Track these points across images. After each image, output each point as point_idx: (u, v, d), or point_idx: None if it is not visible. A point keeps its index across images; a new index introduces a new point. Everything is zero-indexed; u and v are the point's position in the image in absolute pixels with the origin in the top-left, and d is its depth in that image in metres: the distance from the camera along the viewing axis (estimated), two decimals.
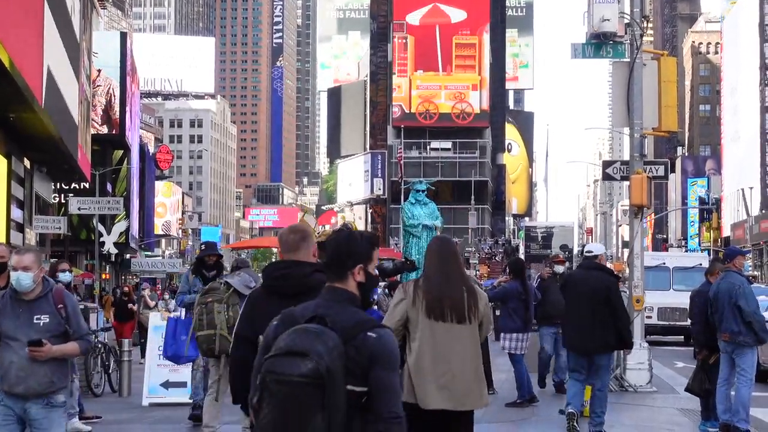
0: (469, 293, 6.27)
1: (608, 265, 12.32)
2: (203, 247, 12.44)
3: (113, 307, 25.34)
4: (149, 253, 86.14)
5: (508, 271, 15.46)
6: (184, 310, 11.98)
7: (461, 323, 6.18)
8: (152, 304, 27.00)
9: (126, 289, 26.60)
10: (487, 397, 6.36)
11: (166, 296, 36.94)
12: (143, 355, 21.26)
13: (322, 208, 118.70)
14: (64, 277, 13.23)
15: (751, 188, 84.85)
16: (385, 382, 3.66)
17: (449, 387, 6.10)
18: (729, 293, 10.81)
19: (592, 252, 11.37)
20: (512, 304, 13.91)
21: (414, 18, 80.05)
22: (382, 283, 16.58)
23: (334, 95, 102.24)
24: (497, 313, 16.00)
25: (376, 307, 11.70)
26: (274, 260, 6.54)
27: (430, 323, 6.17)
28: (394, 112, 79.08)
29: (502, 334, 14.24)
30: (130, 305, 24.76)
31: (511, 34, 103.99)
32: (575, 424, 10.80)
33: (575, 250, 65.10)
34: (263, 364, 3.66)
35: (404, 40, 79.92)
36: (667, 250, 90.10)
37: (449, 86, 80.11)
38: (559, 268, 16.18)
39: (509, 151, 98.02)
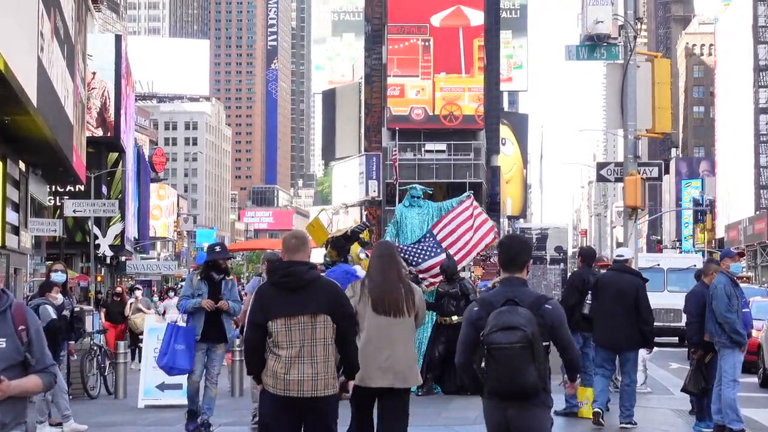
0: (406, 290, 7.32)
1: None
2: (218, 248, 11.60)
3: (104, 308, 25.19)
4: (144, 255, 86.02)
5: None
6: (186, 315, 11.36)
7: (400, 316, 7.26)
8: (146, 309, 26.78)
9: (119, 290, 26.41)
10: (420, 376, 7.61)
11: (156, 299, 36.75)
12: (132, 360, 21.22)
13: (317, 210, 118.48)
14: (58, 277, 13.04)
15: (729, 194, 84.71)
16: (565, 336, 5.58)
17: (393, 368, 7.18)
18: (711, 295, 11.15)
19: (622, 256, 12.35)
20: None
21: (436, 20, 79.83)
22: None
23: (329, 97, 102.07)
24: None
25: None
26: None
27: (375, 316, 7.24)
28: (417, 114, 78.81)
29: None
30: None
31: (505, 35, 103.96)
32: (601, 420, 11.45)
33: (569, 252, 65.03)
34: (484, 338, 5.32)
35: (426, 43, 79.63)
36: (662, 252, 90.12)
37: (473, 88, 79.92)
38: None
39: (503, 144, 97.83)
